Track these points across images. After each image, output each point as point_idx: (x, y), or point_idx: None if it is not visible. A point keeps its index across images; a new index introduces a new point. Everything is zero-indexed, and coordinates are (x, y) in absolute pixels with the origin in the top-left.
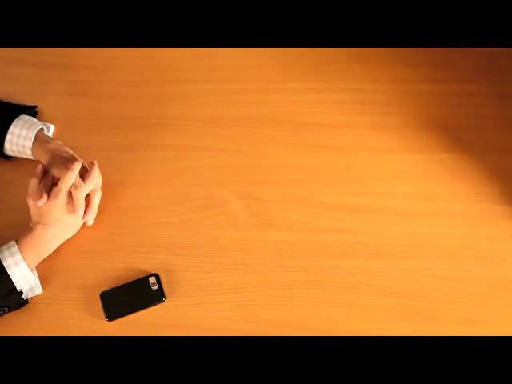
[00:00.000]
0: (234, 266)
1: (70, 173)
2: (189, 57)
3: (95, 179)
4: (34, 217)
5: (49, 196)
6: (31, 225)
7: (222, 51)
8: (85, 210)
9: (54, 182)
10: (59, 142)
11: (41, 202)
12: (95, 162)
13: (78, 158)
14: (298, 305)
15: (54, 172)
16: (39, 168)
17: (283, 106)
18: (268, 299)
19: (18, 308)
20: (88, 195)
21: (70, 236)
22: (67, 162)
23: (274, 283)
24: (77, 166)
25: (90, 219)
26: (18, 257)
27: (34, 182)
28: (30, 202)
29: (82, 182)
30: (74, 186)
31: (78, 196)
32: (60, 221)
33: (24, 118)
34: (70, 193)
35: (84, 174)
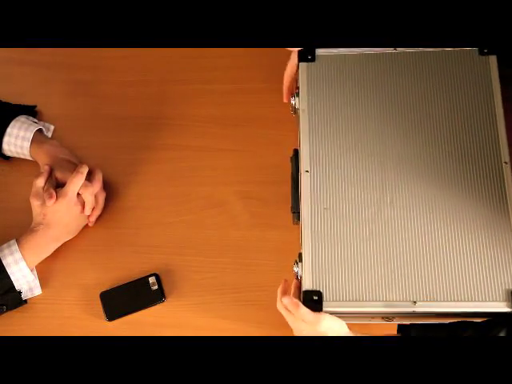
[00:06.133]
0: (233, 265)
1: (79, 175)
2: (189, 57)
3: (101, 180)
4: (37, 217)
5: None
6: (33, 225)
7: (222, 51)
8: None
9: (58, 184)
10: (57, 142)
11: (51, 202)
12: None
13: (76, 158)
14: None
15: (58, 174)
16: (45, 168)
17: (283, 105)
18: (268, 299)
19: (16, 307)
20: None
21: (71, 237)
22: (70, 164)
23: (274, 283)
24: (85, 169)
25: (94, 219)
26: (18, 256)
27: (39, 182)
28: (34, 202)
29: (90, 183)
30: (84, 186)
31: (89, 196)
32: (63, 222)
33: (22, 118)
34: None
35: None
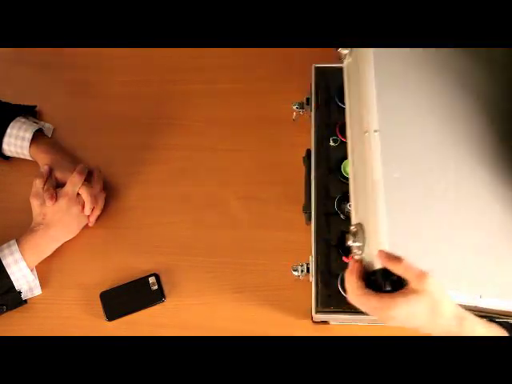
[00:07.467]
0: (233, 265)
1: (79, 175)
2: (189, 57)
3: (101, 180)
4: (37, 217)
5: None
6: (33, 225)
7: (222, 51)
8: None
9: (58, 184)
10: (56, 142)
11: (51, 202)
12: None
13: (76, 158)
14: (298, 305)
15: (58, 175)
16: (45, 168)
17: (283, 106)
18: (268, 299)
19: (16, 307)
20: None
21: (71, 237)
22: (70, 164)
23: (274, 283)
24: (85, 169)
25: (94, 219)
26: (18, 256)
27: (39, 182)
28: (34, 202)
29: (89, 184)
30: (84, 187)
31: (89, 196)
32: (63, 222)
33: (22, 119)
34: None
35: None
